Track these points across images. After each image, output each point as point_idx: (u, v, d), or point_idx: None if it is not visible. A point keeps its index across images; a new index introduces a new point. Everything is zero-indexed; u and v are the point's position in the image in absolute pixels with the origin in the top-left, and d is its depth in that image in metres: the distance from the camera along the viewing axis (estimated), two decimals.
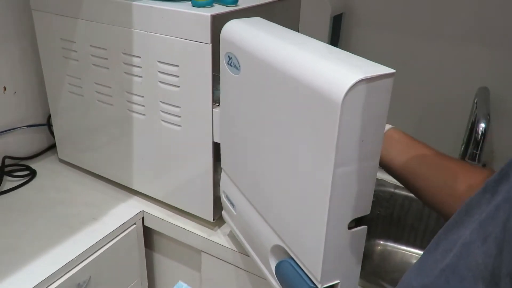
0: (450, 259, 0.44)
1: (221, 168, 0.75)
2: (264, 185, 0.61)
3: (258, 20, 0.65)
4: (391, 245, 1.04)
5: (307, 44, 0.52)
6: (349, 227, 0.50)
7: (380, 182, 1.02)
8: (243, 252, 0.77)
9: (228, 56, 0.63)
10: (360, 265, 0.54)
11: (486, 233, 0.41)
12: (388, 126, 0.65)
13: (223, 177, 0.75)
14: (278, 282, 0.61)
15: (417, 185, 0.64)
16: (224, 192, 0.76)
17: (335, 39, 0.93)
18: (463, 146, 0.86)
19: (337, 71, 0.43)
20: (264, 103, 0.56)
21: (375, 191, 1.00)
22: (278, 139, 0.54)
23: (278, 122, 0.53)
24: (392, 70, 0.43)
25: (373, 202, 1.01)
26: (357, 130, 0.44)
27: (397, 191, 1.00)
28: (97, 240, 0.78)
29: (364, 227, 0.51)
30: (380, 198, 1.01)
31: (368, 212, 0.51)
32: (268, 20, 0.66)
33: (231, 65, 0.63)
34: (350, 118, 0.42)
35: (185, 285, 0.50)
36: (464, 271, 0.42)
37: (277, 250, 0.60)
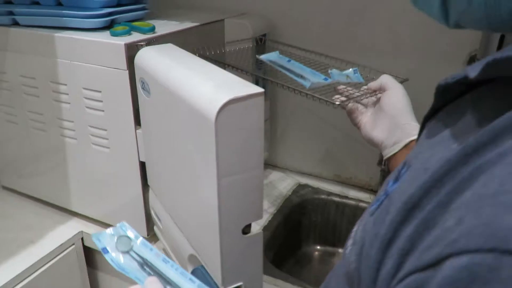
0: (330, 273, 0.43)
1: (148, 186, 0.79)
2: (176, 199, 0.65)
3: (168, 46, 0.71)
4: (329, 249, 1.09)
5: (199, 69, 0.58)
6: (245, 233, 0.55)
7: (314, 190, 1.08)
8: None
9: (141, 81, 0.68)
10: (261, 267, 0.59)
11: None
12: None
13: (151, 194, 0.79)
14: None
15: None
16: (152, 208, 0.80)
17: (262, 51, 0.98)
18: None
19: (212, 93, 0.48)
20: (167, 124, 0.61)
21: (310, 199, 1.06)
22: (178, 156, 0.59)
23: (176, 140, 0.58)
24: (261, 90, 0.48)
25: (309, 209, 1.07)
26: (236, 144, 0.49)
27: (330, 197, 1.06)
28: (32, 263, 0.81)
29: (260, 232, 0.56)
30: (315, 205, 1.07)
31: (261, 217, 0.55)
32: (186, 45, 0.72)
33: (144, 89, 0.68)
34: (226, 134, 0.48)
35: (127, 225, 0.52)
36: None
37: (192, 258, 0.65)
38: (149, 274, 0.48)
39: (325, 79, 0.71)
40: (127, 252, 0.50)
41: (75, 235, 0.89)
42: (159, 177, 0.73)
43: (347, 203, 1.05)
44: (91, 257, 0.95)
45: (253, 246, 0.56)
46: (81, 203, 0.92)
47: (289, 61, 0.80)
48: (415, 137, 0.59)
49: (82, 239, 0.90)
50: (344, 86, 0.73)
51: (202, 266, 0.61)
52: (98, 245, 0.50)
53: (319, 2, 0.97)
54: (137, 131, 0.76)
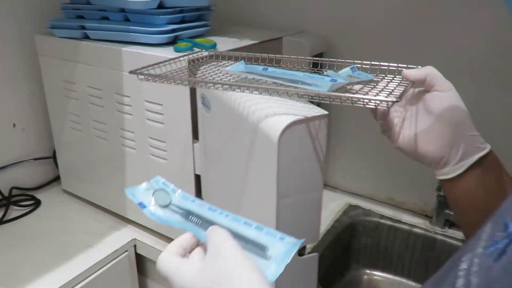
0: None
1: (202, 199, 0.80)
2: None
3: (229, 63, 0.72)
4: (379, 274, 1.05)
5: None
6: (300, 254, 0.54)
7: (366, 212, 1.05)
8: None
9: (202, 97, 0.70)
10: None
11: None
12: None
13: None
14: None
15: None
16: None
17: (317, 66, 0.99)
18: None
19: (276, 113, 0.49)
20: (227, 140, 0.62)
21: (361, 220, 1.04)
22: (236, 173, 0.60)
23: (235, 157, 0.59)
24: (325, 112, 0.48)
25: (360, 231, 1.05)
26: (297, 165, 0.49)
27: (382, 220, 1.03)
28: (89, 266, 0.84)
29: (315, 254, 0.55)
30: (366, 227, 1.04)
31: (317, 240, 0.55)
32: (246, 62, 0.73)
33: (204, 105, 0.69)
34: (288, 154, 0.48)
35: (163, 180, 0.49)
36: None
37: None
38: (197, 223, 0.43)
39: (333, 80, 0.53)
40: (166, 206, 0.46)
41: (128, 242, 0.92)
42: (215, 192, 0.73)
43: (400, 227, 1.01)
44: (142, 265, 0.97)
45: (308, 268, 0.55)
46: (135, 211, 0.94)
47: (265, 69, 0.63)
48: (486, 151, 0.51)
49: (135, 246, 0.93)
50: (358, 85, 0.56)
51: None
52: (133, 200, 0.46)
53: (378, 20, 0.96)
54: (194, 144, 0.77)
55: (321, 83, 0.51)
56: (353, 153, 1.10)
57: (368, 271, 1.06)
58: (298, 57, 0.64)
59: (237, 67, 0.61)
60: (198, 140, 0.76)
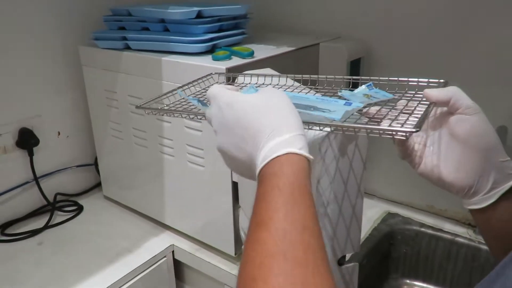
0: None
1: (239, 207, 0.80)
2: None
3: (266, 71, 0.72)
4: (419, 284, 1.02)
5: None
6: (340, 264, 0.53)
7: (405, 220, 1.02)
8: None
9: None
10: None
11: None
12: None
13: (241, 215, 0.80)
14: None
15: None
16: (242, 229, 0.81)
17: (355, 83, 0.97)
18: None
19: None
20: None
21: (400, 229, 1.01)
22: None
23: None
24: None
25: (399, 240, 1.02)
26: (338, 171, 0.48)
27: (422, 229, 1.00)
28: (130, 271, 0.86)
29: (355, 263, 0.54)
30: (406, 236, 1.01)
31: (358, 249, 0.54)
32: (282, 69, 0.73)
33: None
34: (329, 161, 0.47)
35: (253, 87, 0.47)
36: None
37: None
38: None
39: (348, 103, 0.48)
40: None
41: (167, 247, 0.93)
42: (251, 199, 0.73)
43: (442, 236, 0.98)
44: (180, 270, 0.98)
45: (348, 278, 0.54)
46: (174, 217, 0.96)
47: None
48: None
49: (173, 252, 0.94)
50: (375, 107, 0.51)
51: None
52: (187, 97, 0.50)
53: (418, 25, 0.94)
54: None
55: (335, 108, 0.47)
56: (392, 159, 1.08)
57: (408, 281, 1.03)
58: (327, 76, 0.61)
59: (248, 91, 0.53)
60: None
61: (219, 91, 0.45)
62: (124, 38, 0.90)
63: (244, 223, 0.79)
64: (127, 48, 0.91)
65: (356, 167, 0.49)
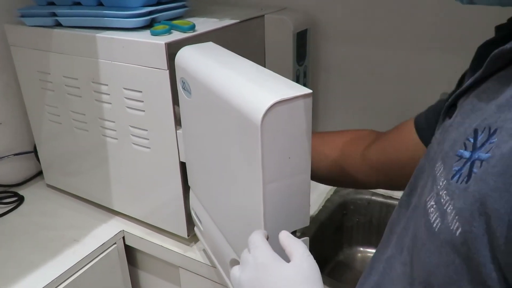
0: (377, 277, 0.46)
1: (189, 187, 0.78)
2: (217, 201, 0.64)
3: (209, 45, 0.69)
4: (372, 251, 1.05)
5: (241, 69, 0.56)
6: None
7: (357, 190, 1.04)
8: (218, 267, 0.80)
9: (182, 81, 0.67)
10: None
11: (402, 244, 0.43)
12: None
13: (191, 195, 0.78)
14: None
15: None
16: (193, 209, 0.79)
17: (302, 54, 0.96)
18: None
19: (257, 95, 0.46)
20: (209, 125, 0.60)
21: (353, 199, 1.03)
22: (220, 159, 0.58)
23: (219, 143, 0.57)
24: (309, 91, 0.46)
25: (351, 210, 1.04)
26: (282, 148, 0.47)
27: (373, 198, 1.02)
28: (77, 261, 0.82)
29: (306, 238, 0.54)
30: (358, 205, 1.03)
31: (307, 224, 0.53)
32: (226, 43, 0.70)
33: (184, 89, 0.66)
34: (272, 137, 0.45)
35: None
36: (388, 285, 0.44)
37: (235, 263, 0.63)
38: None
39: None
40: None
41: (116, 234, 0.89)
42: (200, 178, 0.71)
43: (392, 203, 1.00)
44: (132, 255, 0.95)
45: None
46: (122, 202, 0.92)
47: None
48: None
49: (123, 238, 0.91)
50: None
51: None
52: None
53: None
54: (177, 131, 0.75)
55: None
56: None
57: (361, 249, 1.06)
58: None
59: None
60: (181, 126, 0.74)
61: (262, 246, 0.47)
62: (54, 14, 0.83)
63: (195, 203, 0.77)
64: (58, 25, 0.84)
65: (301, 141, 0.47)
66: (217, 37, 0.77)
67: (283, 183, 0.48)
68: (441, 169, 0.37)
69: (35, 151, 1.07)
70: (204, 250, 0.84)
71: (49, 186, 1.06)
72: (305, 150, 0.48)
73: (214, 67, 0.58)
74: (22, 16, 0.86)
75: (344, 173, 0.69)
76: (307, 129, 0.47)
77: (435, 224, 0.35)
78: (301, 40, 0.94)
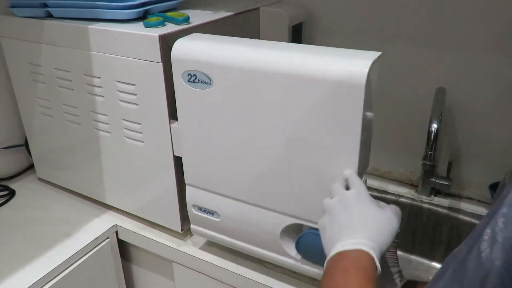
0: None
1: (185, 184, 0.77)
2: (269, 180, 0.67)
3: (200, 35, 0.69)
4: None
5: (280, 46, 0.63)
6: None
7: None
8: (211, 261, 0.79)
9: (188, 74, 0.66)
10: None
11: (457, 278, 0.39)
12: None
13: (190, 192, 0.77)
14: (300, 258, 0.69)
15: None
16: (194, 205, 0.78)
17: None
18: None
19: (346, 62, 0.55)
20: (250, 109, 0.63)
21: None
22: (281, 135, 0.62)
23: (278, 120, 0.61)
24: (379, 53, 0.56)
25: None
26: (370, 102, 0.56)
27: (369, 192, 1.01)
28: (69, 256, 0.81)
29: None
30: None
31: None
32: (220, 35, 0.69)
33: (195, 82, 0.65)
34: (368, 95, 0.54)
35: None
36: None
37: (288, 230, 0.69)
38: None
39: None
40: None
41: (109, 228, 0.89)
42: (216, 169, 0.71)
43: (386, 198, 1.00)
44: (125, 250, 0.94)
45: None
46: (115, 197, 0.91)
47: None
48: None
49: (116, 232, 0.90)
50: None
51: (310, 228, 0.64)
52: None
53: None
54: (171, 125, 0.74)
55: None
56: None
57: None
58: None
59: None
60: (178, 120, 0.72)
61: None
62: (45, 5, 0.81)
63: (196, 199, 0.76)
64: (49, 16, 0.82)
65: (375, 97, 0.60)
66: (211, 29, 0.76)
67: (366, 133, 0.58)
68: (508, 196, 0.36)
69: (26, 144, 1.05)
70: (199, 245, 0.83)
71: (40, 179, 1.04)
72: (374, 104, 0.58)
73: (250, 50, 0.62)
74: (12, 6, 0.84)
75: None
76: (377, 86, 0.57)
77: (484, 254, 0.34)
78: (296, 33, 0.93)
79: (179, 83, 0.67)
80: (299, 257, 0.69)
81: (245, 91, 0.62)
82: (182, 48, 0.66)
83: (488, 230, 0.34)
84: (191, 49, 0.66)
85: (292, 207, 0.66)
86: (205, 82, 0.65)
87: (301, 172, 0.63)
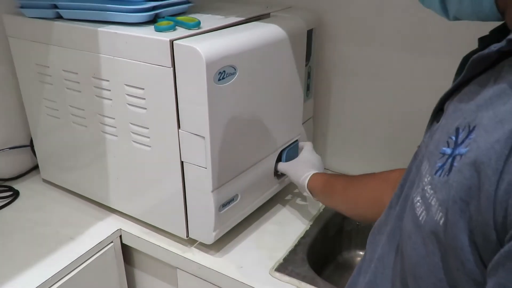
0: (369, 277, 0.49)
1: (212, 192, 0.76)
2: (271, 132, 0.85)
3: (201, 36, 0.71)
4: None
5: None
6: None
7: None
8: (216, 269, 0.78)
9: (219, 73, 0.67)
10: None
11: (394, 242, 0.47)
12: (311, 172, 0.85)
13: (216, 196, 0.76)
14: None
15: (344, 209, 0.81)
16: (220, 207, 0.78)
17: (307, 54, 0.94)
18: None
19: None
20: (268, 76, 0.77)
21: None
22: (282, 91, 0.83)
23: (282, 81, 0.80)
24: None
25: None
26: None
27: None
28: (73, 260, 0.80)
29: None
30: None
31: None
32: None
33: (224, 78, 0.68)
34: None
35: None
36: (381, 283, 0.48)
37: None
38: None
39: None
40: None
41: (113, 232, 0.88)
42: (247, 145, 0.81)
43: None
44: (129, 254, 0.93)
45: None
46: (120, 200, 0.90)
47: None
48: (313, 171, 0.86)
49: (120, 236, 0.89)
50: None
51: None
52: None
53: None
54: (179, 130, 0.73)
55: None
56: (343, 135, 1.07)
57: (360, 253, 1.04)
58: None
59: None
60: (209, 123, 0.70)
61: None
62: (55, 6, 0.81)
63: (219, 201, 0.78)
64: (59, 17, 0.82)
65: None
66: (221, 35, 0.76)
67: None
68: (427, 167, 0.40)
69: (31, 145, 1.04)
70: (203, 251, 0.82)
71: (45, 181, 1.04)
72: None
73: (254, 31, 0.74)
74: (22, 7, 0.84)
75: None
76: None
77: (421, 217, 0.38)
78: (307, 40, 0.92)
79: (212, 86, 0.67)
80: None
81: (263, 64, 0.76)
82: (210, 49, 0.66)
83: (418, 198, 0.39)
84: (219, 48, 0.67)
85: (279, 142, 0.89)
86: (231, 73, 0.69)
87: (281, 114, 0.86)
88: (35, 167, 1.07)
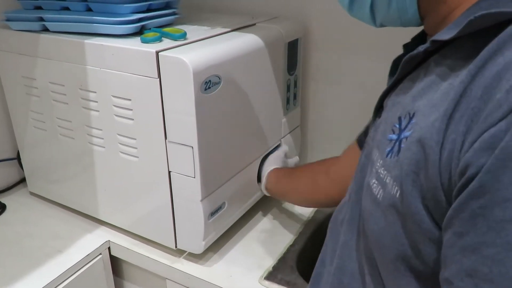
0: (336, 262, 0.54)
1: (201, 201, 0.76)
2: (259, 136, 0.89)
3: (187, 47, 0.72)
4: None
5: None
6: None
7: None
8: (205, 278, 0.78)
9: (205, 83, 0.68)
10: None
11: (354, 226, 0.52)
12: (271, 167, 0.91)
13: (205, 205, 0.77)
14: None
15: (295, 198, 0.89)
16: (209, 215, 0.78)
17: (293, 63, 0.95)
18: None
19: None
20: (250, 83, 0.78)
21: None
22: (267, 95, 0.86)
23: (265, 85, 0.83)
24: None
25: None
26: None
27: None
28: (61, 273, 0.79)
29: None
30: None
31: None
32: None
33: (209, 88, 0.69)
34: None
35: None
36: (349, 265, 0.52)
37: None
38: None
39: None
40: None
41: (102, 244, 0.87)
42: (235, 152, 0.82)
43: None
44: (118, 266, 0.93)
45: None
46: (108, 212, 0.90)
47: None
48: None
49: (109, 248, 0.89)
50: None
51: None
52: None
53: None
54: (167, 141, 0.73)
55: None
56: (332, 143, 1.08)
57: None
58: None
59: None
60: (197, 133, 0.70)
61: None
62: (41, 19, 0.81)
63: (208, 210, 0.78)
64: (45, 30, 0.82)
65: None
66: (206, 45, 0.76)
67: None
68: (377, 154, 0.45)
69: (18, 157, 1.04)
70: (193, 262, 0.82)
71: (32, 194, 1.03)
72: None
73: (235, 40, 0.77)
74: (8, 20, 0.84)
75: (322, 196, 0.81)
76: None
77: (378, 195, 0.43)
78: (292, 50, 0.94)
79: (199, 96, 0.68)
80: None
81: (244, 72, 0.77)
82: (196, 60, 0.67)
83: (373, 180, 0.45)
84: (205, 58, 0.68)
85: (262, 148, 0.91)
86: (216, 83, 0.70)
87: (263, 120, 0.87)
88: (22, 180, 1.06)
